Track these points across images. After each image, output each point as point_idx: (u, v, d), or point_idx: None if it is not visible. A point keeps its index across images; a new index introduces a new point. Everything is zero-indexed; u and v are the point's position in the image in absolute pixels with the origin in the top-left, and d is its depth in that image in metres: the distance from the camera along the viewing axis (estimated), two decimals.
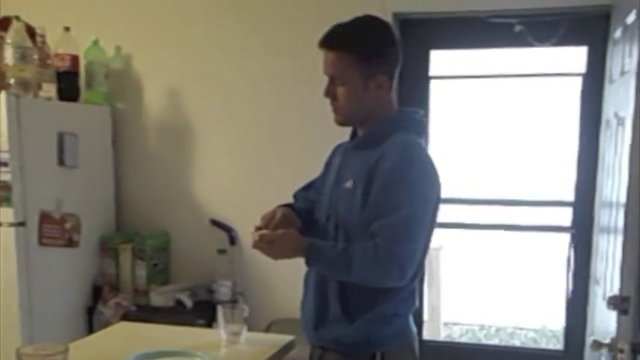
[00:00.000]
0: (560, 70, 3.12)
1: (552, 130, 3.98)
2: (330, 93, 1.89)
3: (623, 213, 1.93)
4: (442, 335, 5.17)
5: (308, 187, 2.15)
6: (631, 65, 2.05)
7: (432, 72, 3.17)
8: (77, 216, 3.10)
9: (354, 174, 1.87)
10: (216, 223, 3.31)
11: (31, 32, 2.93)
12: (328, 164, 2.08)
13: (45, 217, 2.93)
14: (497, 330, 5.48)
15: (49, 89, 3.00)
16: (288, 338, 2.10)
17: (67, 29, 3.12)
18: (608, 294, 2.02)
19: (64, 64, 3.12)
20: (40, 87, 2.94)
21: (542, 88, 3.52)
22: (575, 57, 2.99)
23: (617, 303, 1.87)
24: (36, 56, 2.91)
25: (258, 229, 1.89)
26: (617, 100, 2.38)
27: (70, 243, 3.08)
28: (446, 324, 5.39)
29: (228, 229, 3.28)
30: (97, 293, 3.22)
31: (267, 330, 3.05)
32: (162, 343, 1.98)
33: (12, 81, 2.80)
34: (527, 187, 4.35)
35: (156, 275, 3.29)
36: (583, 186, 3.00)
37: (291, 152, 3.19)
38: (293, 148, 3.19)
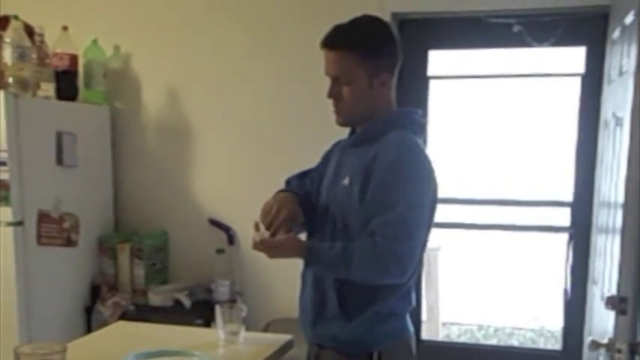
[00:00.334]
0: (559, 70, 3.12)
1: (550, 131, 3.99)
2: (334, 93, 1.89)
3: (622, 213, 1.93)
4: (440, 335, 5.17)
5: (302, 176, 2.13)
6: (629, 66, 2.05)
7: (430, 72, 3.17)
8: (75, 215, 3.10)
9: (350, 171, 1.88)
10: (214, 223, 3.30)
11: (29, 31, 2.93)
12: (326, 160, 2.08)
13: (43, 217, 2.93)
14: (496, 330, 5.49)
15: (48, 88, 3.00)
16: (286, 338, 2.10)
17: (65, 28, 3.12)
18: (607, 294, 2.02)
19: (63, 64, 3.12)
20: (38, 86, 2.94)
21: (541, 88, 3.52)
22: (574, 57, 2.99)
23: (615, 303, 1.87)
24: (34, 55, 2.91)
25: (257, 225, 1.87)
26: (615, 101, 2.38)
27: (69, 242, 3.08)
28: (444, 324, 5.39)
29: (226, 229, 3.28)
30: (95, 293, 3.22)
31: (266, 330, 3.05)
32: (161, 342, 1.98)
33: (10, 80, 2.80)
34: (525, 187, 4.36)
35: (154, 275, 3.28)
36: (581, 186, 3.00)
37: (290, 152, 3.19)
38: (292, 147, 3.19)
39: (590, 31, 2.89)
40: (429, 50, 3.15)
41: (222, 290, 3.17)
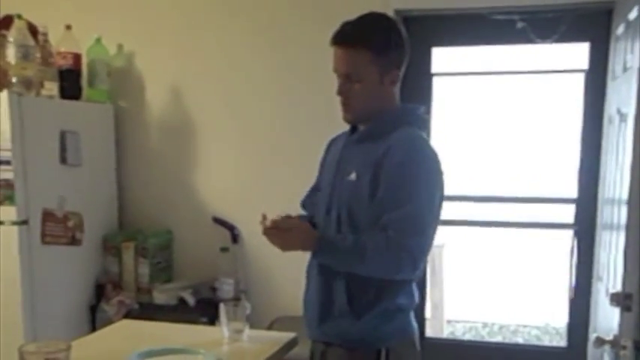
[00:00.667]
0: (563, 66, 3.11)
1: (555, 127, 3.98)
2: (344, 91, 1.88)
3: (626, 209, 1.93)
4: (445, 333, 5.17)
5: (312, 193, 2.14)
6: (633, 61, 2.05)
7: (434, 69, 3.16)
8: (80, 214, 3.10)
9: (357, 166, 1.87)
10: (218, 221, 3.31)
11: (33, 31, 2.94)
12: (324, 161, 2.08)
13: (48, 216, 2.93)
14: (501, 327, 5.48)
15: (51, 87, 3.00)
16: (290, 336, 2.10)
17: (68, 27, 3.12)
18: (611, 291, 2.01)
19: (66, 63, 3.12)
20: (42, 85, 2.94)
21: (545, 84, 3.52)
22: (578, 53, 2.98)
23: (620, 300, 1.86)
24: (38, 55, 2.91)
25: (265, 217, 1.82)
26: (619, 97, 2.37)
27: (73, 241, 3.08)
28: (449, 321, 5.39)
29: (230, 227, 3.28)
30: (99, 291, 3.22)
31: (270, 327, 3.05)
32: (165, 340, 1.98)
33: (14, 79, 2.80)
34: (529, 184, 4.35)
35: (158, 273, 3.29)
36: (586, 183, 2.99)
37: (293, 150, 3.19)
38: (295, 146, 3.18)
39: (594, 27, 2.88)
40: (433, 47, 3.14)
41: (226, 288, 3.17)
